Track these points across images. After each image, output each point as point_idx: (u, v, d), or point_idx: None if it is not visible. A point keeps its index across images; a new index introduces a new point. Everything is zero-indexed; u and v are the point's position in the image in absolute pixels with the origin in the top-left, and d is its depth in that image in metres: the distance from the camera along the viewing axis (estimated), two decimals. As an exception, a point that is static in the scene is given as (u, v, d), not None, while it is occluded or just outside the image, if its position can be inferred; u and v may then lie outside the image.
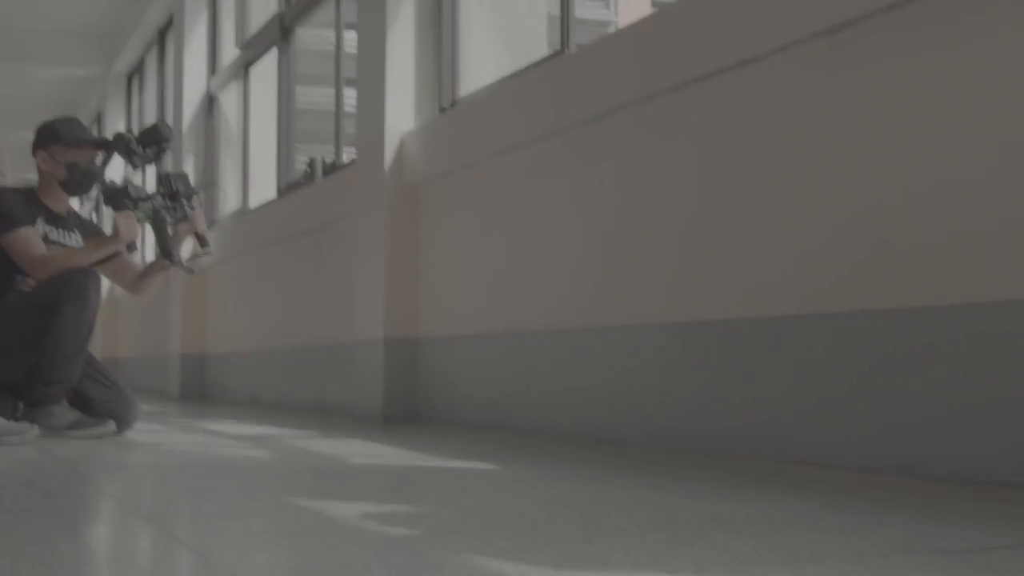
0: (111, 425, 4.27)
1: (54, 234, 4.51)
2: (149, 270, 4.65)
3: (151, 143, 4.54)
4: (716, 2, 3.52)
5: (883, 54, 2.89)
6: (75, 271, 4.26)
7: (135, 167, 4.60)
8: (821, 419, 3.02)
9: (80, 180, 4.55)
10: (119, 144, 4.52)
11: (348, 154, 6.88)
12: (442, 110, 5.46)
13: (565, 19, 4.56)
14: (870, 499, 2.36)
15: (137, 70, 12.61)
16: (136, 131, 4.59)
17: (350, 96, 6.90)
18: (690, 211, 3.60)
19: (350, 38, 6.96)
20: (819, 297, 3.06)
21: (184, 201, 4.57)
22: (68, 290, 4.19)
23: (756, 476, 2.82)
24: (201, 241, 4.58)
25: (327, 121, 8.37)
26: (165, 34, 11.23)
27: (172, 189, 4.54)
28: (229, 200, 8.78)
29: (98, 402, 4.38)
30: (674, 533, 1.85)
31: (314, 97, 11.15)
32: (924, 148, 2.77)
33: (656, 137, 3.78)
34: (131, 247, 4.47)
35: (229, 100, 9.14)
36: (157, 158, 4.63)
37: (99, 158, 4.61)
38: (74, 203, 4.92)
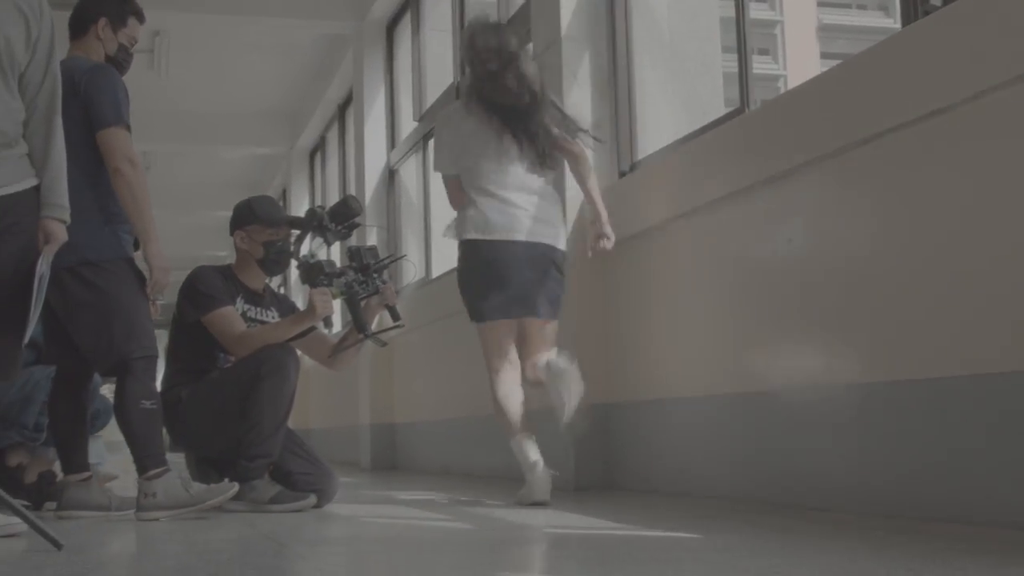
0: (312, 499, 4.35)
1: (252, 312, 4.64)
2: (343, 344, 4.74)
3: (342, 219, 4.65)
4: (906, 52, 3.43)
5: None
6: (273, 347, 4.38)
7: (328, 243, 4.72)
8: (1043, 481, 2.86)
9: (277, 258, 4.70)
10: (312, 221, 4.65)
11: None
12: (622, 174, 5.45)
13: (744, 76, 4.51)
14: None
15: (319, 146, 13.02)
16: (325, 206, 4.69)
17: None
18: (885, 265, 3.49)
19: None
20: (1034, 352, 2.92)
21: (375, 275, 4.66)
22: (267, 366, 4.31)
23: (970, 543, 2.69)
24: (393, 314, 4.67)
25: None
26: (345, 110, 11.58)
27: (363, 263, 4.64)
28: (414, 271, 8.94)
29: (298, 476, 4.47)
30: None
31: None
32: None
33: (845, 191, 3.69)
34: (326, 322, 4.57)
35: (408, 172, 9.33)
36: (348, 233, 4.74)
37: (293, 236, 4.74)
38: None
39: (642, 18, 5.60)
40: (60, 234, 3.48)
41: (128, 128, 4.13)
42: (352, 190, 10.51)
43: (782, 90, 4.36)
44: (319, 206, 4.75)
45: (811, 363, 3.84)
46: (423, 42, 9.07)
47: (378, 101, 9.73)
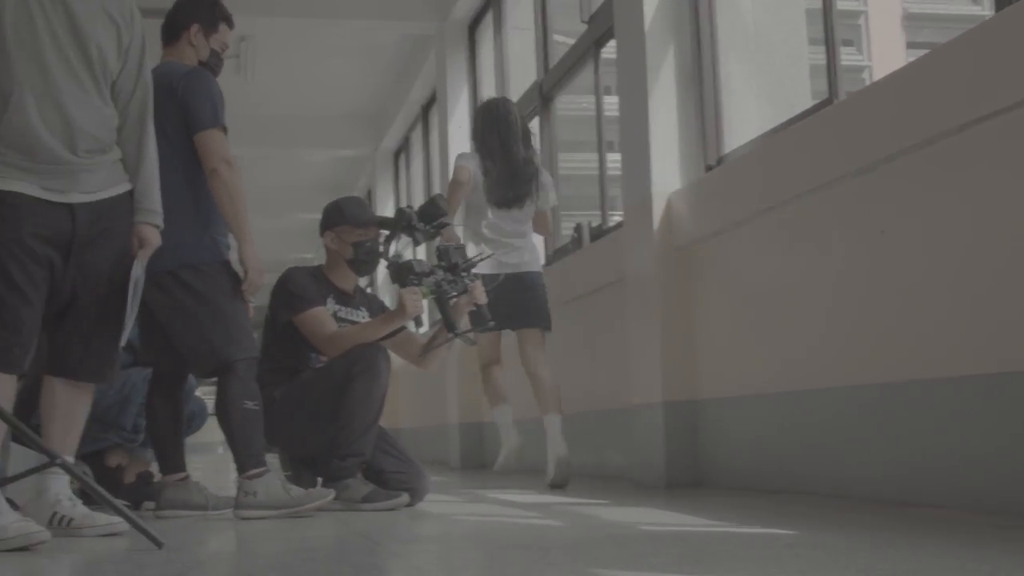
0: (404, 497, 4.38)
1: (343, 312, 4.68)
2: (433, 343, 4.76)
3: (431, 218, 4.68)
4: (999, 39, 3.36)
5: None
6: (365, 347, 4.41)
7: (417, 243, 4.75)
8: None
9: (366, 259, 4.73)
10: (401, 221, 4.68)
11: (613, 218, 6.90)
12: (708, 168, 5.41)
13: (832, 67, 4.45)
14: None
15: (403, 147, 13.11)
16: (413, 206, 4.72)
17: (610, 160, 6.95)
18: (984, 257, 3.42)
19: (608, 102, 7.02)
20: None
21: (463, 274, 4.68)
22: (358, 366, 4.35)
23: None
24: (482, 313, 4.68)
25: (586, 187, 8.43)
26: (428, 111, 11.65)
27: (452, 262, 4.66)
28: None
29: (390, 475, 4.50)
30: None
31: (573, 163, 11.32)
32: None
33: (939, 180, 3.62)
34: (417, 322, 4.60)
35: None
36: (436, 233, 4.77)
37: (382, 236, 4.77)
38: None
39: (726, 10, 5.55)
40: (154, 239, 3.56)
41: (224, 130, 4.20)
42: (437, 190, 10.56)
43: (867, 82, 4.29)
44: (408, 206, 4.78)
45: (908, 356, 3.77)
46: (505, 41, 9.09)
47: (461, 101, 9.77)
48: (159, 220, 3.58)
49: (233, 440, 4.12)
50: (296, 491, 4.10)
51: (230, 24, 4.51)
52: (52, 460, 3.19)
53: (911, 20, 36.21)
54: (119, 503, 3.25)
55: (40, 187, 3.31)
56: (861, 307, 4.05)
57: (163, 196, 3.62)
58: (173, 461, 4.35)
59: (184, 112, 4.14)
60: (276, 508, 4.02)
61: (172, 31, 4.42)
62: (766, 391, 4.67)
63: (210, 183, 4.13)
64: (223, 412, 4.10)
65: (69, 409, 3.51)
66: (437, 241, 5.04)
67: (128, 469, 4.91)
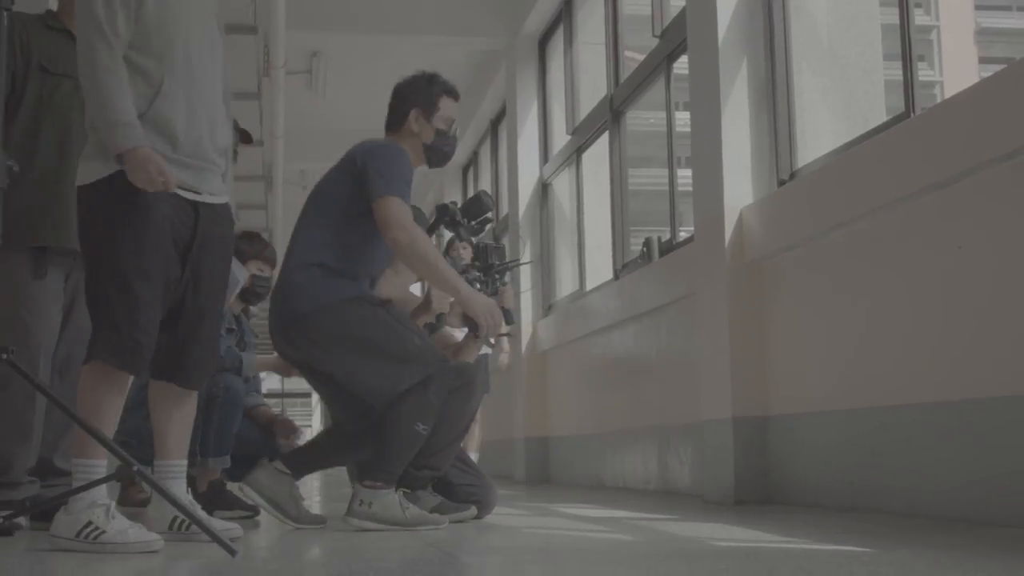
0: (472, 510, 4.36)
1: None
2: (463, 345, 4.77)
3: (474, 215, 4.66)
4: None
5: None
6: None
7: (460, 238, 4.74)
8: None
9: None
10: (444, 215, 4.67)
11: (682, 233, 6.87)
12: (781, 183, 5.37)
13: (910, 82, 4.41)
14: None
15: (472, 161, 13.14)
16: (458, 202, 4.71)
17: (680, 175, 6.92)
18: (1066, 274, 3.36)
19: (679, 118, 7.01)
20: None
21: (497, 276, 4.67)
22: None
23: None
24: (507, 317, 4.55)
25: (657, 202, 8.40)
26: (497, 125, 11.68)
27: (488, 262, 4.64)
28: (559, 283, 8.93)
29: (459, 487, 4.47)
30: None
31: (643, 179, 11.31)
32: None
33: (1016, 194, 3.56)
34: (440, 319, 4.55)
35: (562, 186, 9.36)
36: (480, 229, 4.75)
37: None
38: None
39: (801, 24, 5.52)
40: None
41: (401, 196, 3.97)
42: (506, 205, 10.58)
43: (938, 97, 4.24)
44: (452, 202, 4.76)
45: (985, 373, 3.71)
46: (575, 55, 9.10)
47: (531, 115, 9.79)
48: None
49: (385, 447, 3.99)
50: (413, 512, 3.96)
51: (454, 96, 4.27)
52: (129, 467, 3.21)
53: (984, 35, 35.74)
54: (197, 509, 3.29)
55: (177, 180, 3.29)
56: (936, 324, 4.00)
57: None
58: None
59: (361, 183, 4.02)
60: (388, 524, 3.89)
61: (395, 121, 4.24)
62: (837, 407, 4.62)
63: (395, 253, 4.08)
64: (394, 419, 3.97)
65: (185, 414, 3.53)
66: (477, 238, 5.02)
67: (200, 478, 4.95)
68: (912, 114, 4.38)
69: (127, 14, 3.27)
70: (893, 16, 4.52)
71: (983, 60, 32.21)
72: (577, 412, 8.30)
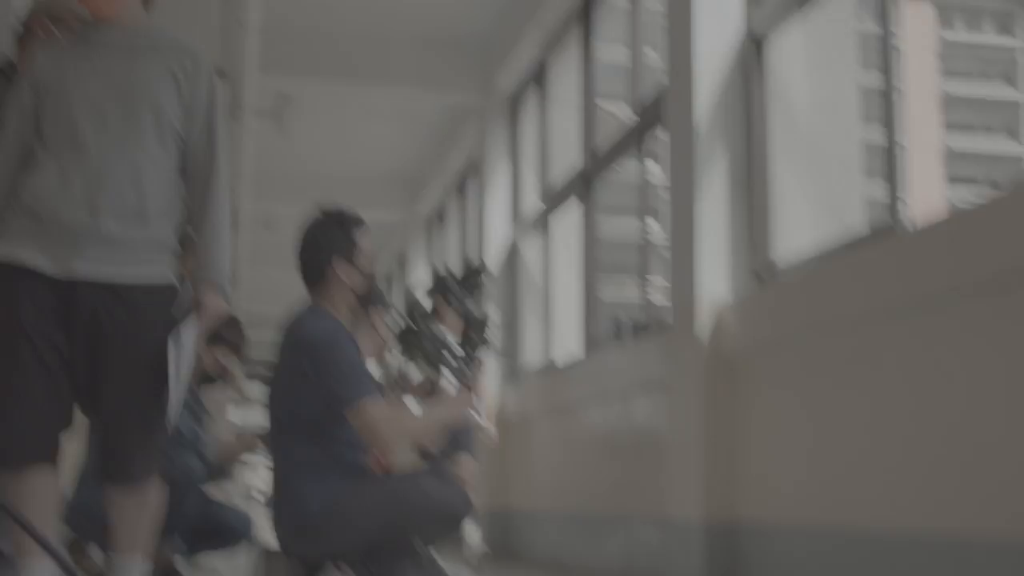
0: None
1: None
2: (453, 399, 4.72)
3: (472, 286, 4.61)
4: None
5: None
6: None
7: (449, 305, 4.67)
8: None
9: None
10: (440, 287, 4.62)
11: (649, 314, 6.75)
12: (757, 276, 5.23)
13: (893, 200, 4.34)
14: None
15: (438, 212, 12.94)
16: (441, 271, 4.66)
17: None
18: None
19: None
20: None
21: (469, 351, 4.59)
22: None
23: None
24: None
25: (627, 253, 8.26)
26: (465, 179, 11.52)
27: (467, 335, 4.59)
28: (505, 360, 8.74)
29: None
30: None
31: (622, 230, 11.21)
32: None
33: (1004, 322, 3.46)
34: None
35: (531, 250, 9.17)
36: (471, 297, 4.70)
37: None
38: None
39: (780, 113, 5.42)
40: (214, 305, 3.29)
41: (368, 395, 3.73)
42: (472, 259, 10.40)
43: (902, 213, 4.25)
44: (448, 271, 4.77)
45: (978, 511, 3.59)
46: (548, 116, 8.96)
47: (500, 174, 9.62)
48: (224, 283, 3.30)
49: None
50: None
51: (365, 225, 3.95)
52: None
53: (952, 156, 35.38)
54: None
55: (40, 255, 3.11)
56: (914, 449, 3.87)
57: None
58: None
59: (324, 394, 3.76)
60: None
61: (313, 273, 3.90)
62: (819, 522, 4.45)
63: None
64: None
65: (136, 507, 3.26)
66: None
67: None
68: (897, 229, 4.29)
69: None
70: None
71: (953, 179, 32.05)
72: (540, 487, 8.11)
